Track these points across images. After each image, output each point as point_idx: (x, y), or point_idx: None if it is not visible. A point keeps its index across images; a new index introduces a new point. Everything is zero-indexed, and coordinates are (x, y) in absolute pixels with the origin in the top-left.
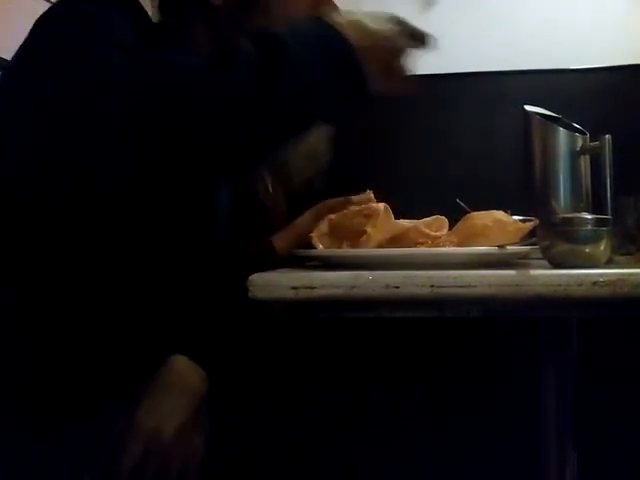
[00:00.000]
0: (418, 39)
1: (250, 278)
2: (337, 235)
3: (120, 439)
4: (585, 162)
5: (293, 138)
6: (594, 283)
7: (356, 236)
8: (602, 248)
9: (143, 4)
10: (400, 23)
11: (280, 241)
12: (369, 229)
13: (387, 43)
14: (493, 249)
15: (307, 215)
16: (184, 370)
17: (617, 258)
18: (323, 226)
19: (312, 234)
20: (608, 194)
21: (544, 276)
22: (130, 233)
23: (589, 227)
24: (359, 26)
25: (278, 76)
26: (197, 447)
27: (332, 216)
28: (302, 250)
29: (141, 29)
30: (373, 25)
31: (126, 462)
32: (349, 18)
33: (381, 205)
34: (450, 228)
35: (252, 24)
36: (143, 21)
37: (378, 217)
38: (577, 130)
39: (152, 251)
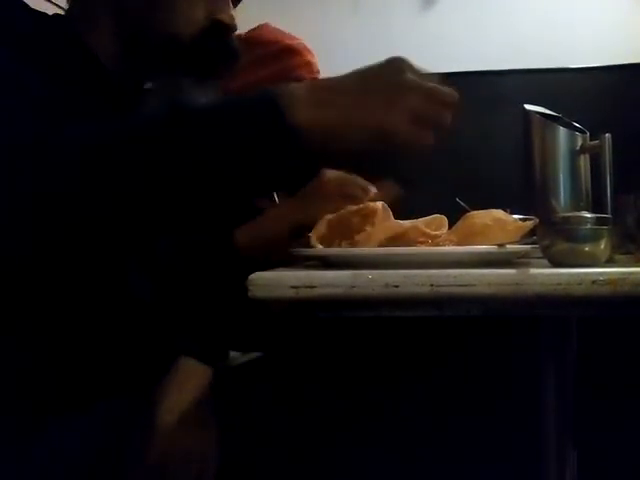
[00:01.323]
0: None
1: (250, 277)
2: (335, 235)
3: (136, 441)
4: (585, 161)
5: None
6: (594, 282)
7: (354, 235)
8: (602, 247)
9: None
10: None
11: (242, 236)
12: (368, 228)
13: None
14: (493, 248)
15: (281, 207)
16: (193, 372)
17: (617, 257)
18: (321, 226)
19: (311, 234)
20: (608, 193)
21: (544, 275)
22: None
23: (589, 226)
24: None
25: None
26: (212, 450)
27: (330, 216)
28: (302, 250)
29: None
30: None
31: (142, 466)
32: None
33: (379, 204)
34: (450, 227)
35: (157, 12)
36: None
37: (377, 216)
38: (577, 129)
39: None
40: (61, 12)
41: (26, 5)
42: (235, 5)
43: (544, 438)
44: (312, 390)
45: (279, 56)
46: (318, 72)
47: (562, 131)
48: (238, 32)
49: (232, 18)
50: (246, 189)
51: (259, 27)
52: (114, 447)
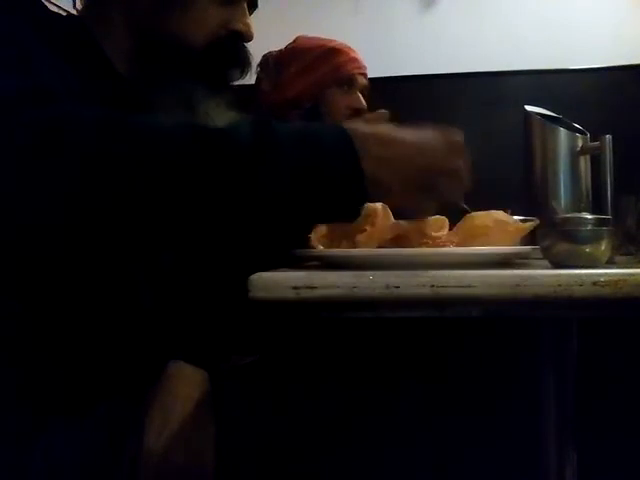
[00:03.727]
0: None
1: (250, 278)
2: (336, 235)
3: (133, 444)
4: (585, 162)
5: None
6: (594, 283)
7: (355, 236)
8: (602, 248)
9: None
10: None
11: None
12: (368, 228)
13: (426, 162)
14: (493, 249)
15: None
16: (187, 376)
17: (617, 258)
18: (322, 227)
19: (311, 235)
20: (608, 194)
21: (544, 276)
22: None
23: (589, 227)
24: (389, 135)
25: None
26: (208, 458)
27: None
28: (302, 250)
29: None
30: (410, 136)
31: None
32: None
33: (379, 204)
34: (450, 228)
35: (171, 20)
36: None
37: (376, 216)
38: (577, 130)
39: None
40: (61, 13)
41: (45, 6)
42: (251, 13)
43: (544, 438)
44: (312, 391)
45: (325, 58)
46: (365, 67)
47: (563, 132)
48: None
49: (248, 27)
50: (297, 223)
51: (296, 40)
52: (113, 449)
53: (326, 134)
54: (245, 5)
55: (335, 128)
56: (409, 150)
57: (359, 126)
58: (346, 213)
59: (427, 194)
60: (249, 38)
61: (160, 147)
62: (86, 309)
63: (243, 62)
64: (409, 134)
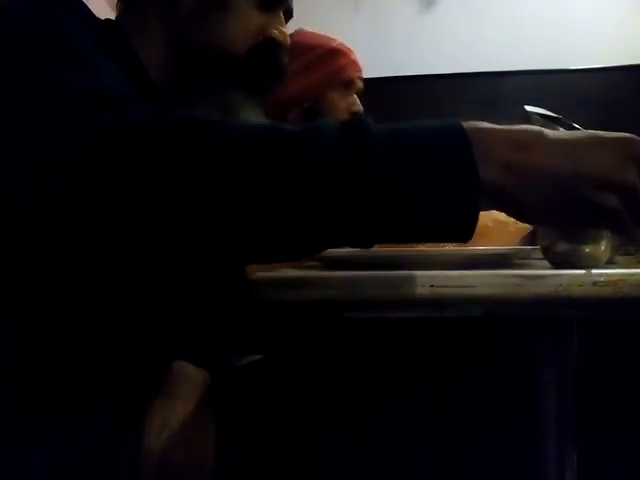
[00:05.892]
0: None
1: (251, 278)
2: None
3: (128, 457)
4: None
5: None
6: (594, 283)
7: None
8: (602, 248)
9: None
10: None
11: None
12: None
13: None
14: (493, 249)
15: None
16: (189, 376)
17: (617, 258)
18: None
19: None
20: None
21: (544, 276)
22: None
23: (589, 227)
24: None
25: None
26: (208, 458)
27: None
28: None
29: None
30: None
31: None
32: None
33: None
34: None
35: (211, 27)
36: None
37: None
38: (577, 130)
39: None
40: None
41: (87, 6)
42: (287, 21)
43: (544, 438)
44: (313, 391)
45: (326, 59)
46: (361, 70)
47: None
48: None
49: (285, 35)
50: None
51: (296, 33)
52: (113, 450)
53: (436, 134)
54: (281, 13)
55: (448, 126)
56: (559, 155)
57: (482, 124)
58: (454, 232)
59: (588, 216)
60: (286, 45)
61: (247, 149)
62: (90, 309)
63: (280, 69)
64: (560, 134)
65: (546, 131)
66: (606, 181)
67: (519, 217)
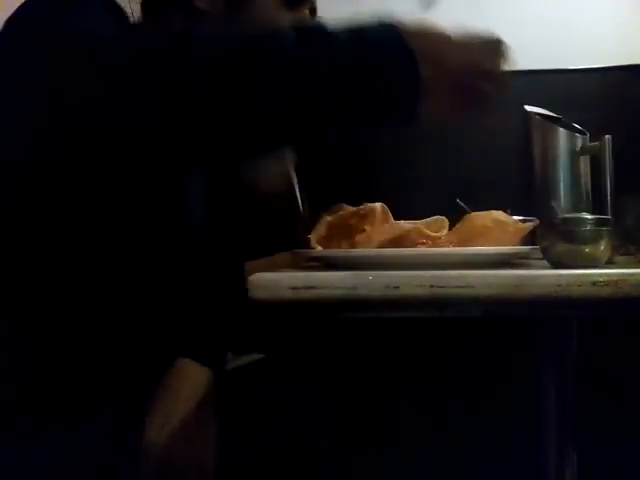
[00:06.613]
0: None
1: (250, 278)
2: (335, 236)
3: (129, 454)
4: (585, 162)
5: (303, 135)
6: (594, 283)
7: (354, 236)
8: (602, 248)
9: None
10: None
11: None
12: (367, 228)
13: (471, 61)
14: (493, 249)
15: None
16: (191, 374)
17: (617, 258)
18: (321, 228)
19: (310, 236)
20: (608, 194)
21: (544, 276)
22: (116, 233)
23: (589, 227)
24: (437, 38)
25: (310, 59)
26: (209, 457)
27: (329, 217)
28: (302, 250)
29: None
30: (460, 41)
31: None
32: (428, 29)
33: (378, 205)
34: (450, 228)
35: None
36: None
37: (375, 216)
38: (577, 130)
39: (144, 249)
40: None
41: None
42: (312, 18)
43: (544, 438)
44: (313, 390)
45: None
46: None
47: (562, 132)
48: None
49: None
50: (350, 114)
51: None
52: (114, 448)
53: (377, 34)
54: (307, 11)
55: (384, 26)
56: (457, 49)
57: (407, 25)
58: (405, 114)
59: (467, 94)
60: None
61: (282, 54)
62: (90, 309)
63: None
64: (452, 34)
65: (439, 28)
66: (483, 68)
67: (433, 99)
